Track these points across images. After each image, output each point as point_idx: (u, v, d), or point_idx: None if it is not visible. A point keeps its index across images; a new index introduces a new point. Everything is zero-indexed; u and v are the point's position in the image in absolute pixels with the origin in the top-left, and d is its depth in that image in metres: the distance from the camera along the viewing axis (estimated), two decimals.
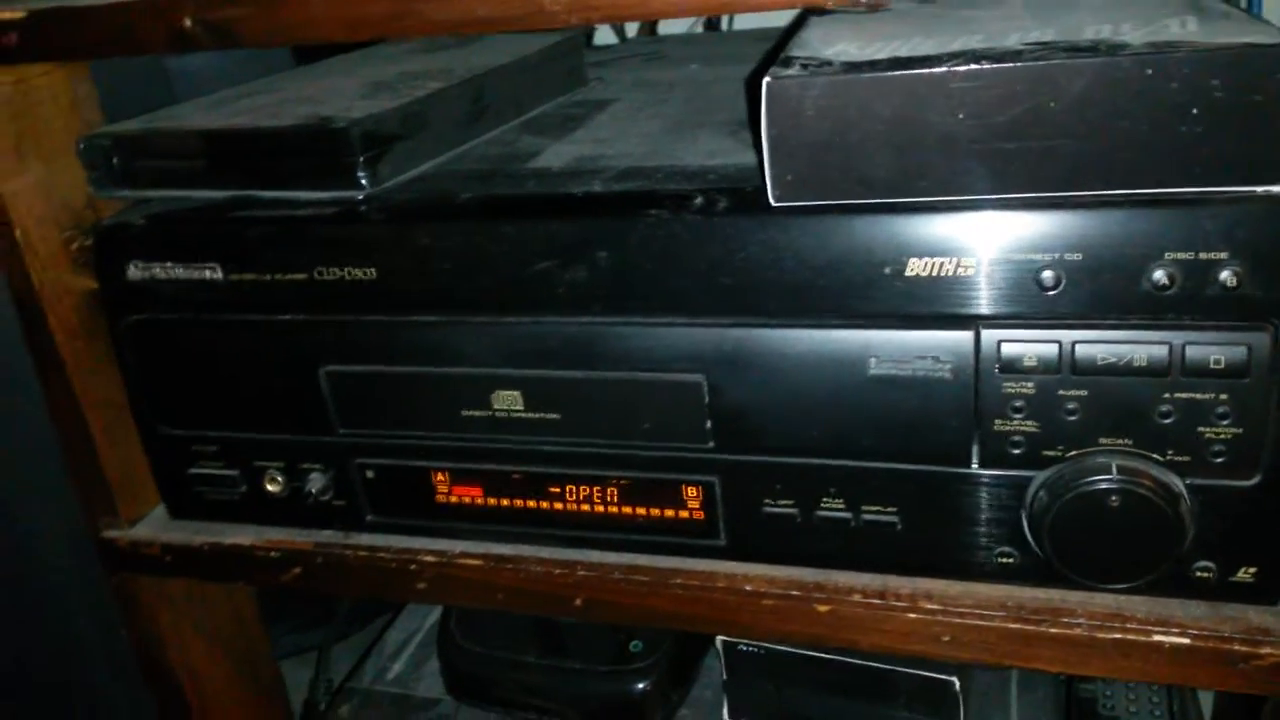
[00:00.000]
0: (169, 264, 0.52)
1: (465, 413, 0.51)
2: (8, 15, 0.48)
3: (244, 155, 0.53)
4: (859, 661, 0.62)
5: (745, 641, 0.64)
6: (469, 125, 0.61)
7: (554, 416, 0.50)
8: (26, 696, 0.55)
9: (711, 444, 0.49)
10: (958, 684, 0.59)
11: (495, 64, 0.63)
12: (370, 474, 0.55)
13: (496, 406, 0.51)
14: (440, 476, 0.54)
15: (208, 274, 0.52)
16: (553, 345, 0.49)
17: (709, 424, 0.48)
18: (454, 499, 0.55)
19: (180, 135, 0.54)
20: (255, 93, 0.62)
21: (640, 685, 0.65)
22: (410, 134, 0.55)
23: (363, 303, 0.50)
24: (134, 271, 0.53)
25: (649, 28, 0.96)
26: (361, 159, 0.51)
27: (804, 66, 0.42)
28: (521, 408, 0.51)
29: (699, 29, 0.97)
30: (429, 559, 0.56)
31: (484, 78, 0.61)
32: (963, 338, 0.42)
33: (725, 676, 0.65)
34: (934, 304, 0.43)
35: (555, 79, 0.70)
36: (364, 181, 0.52)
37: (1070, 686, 0.71)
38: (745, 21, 0.94)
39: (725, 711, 0.66)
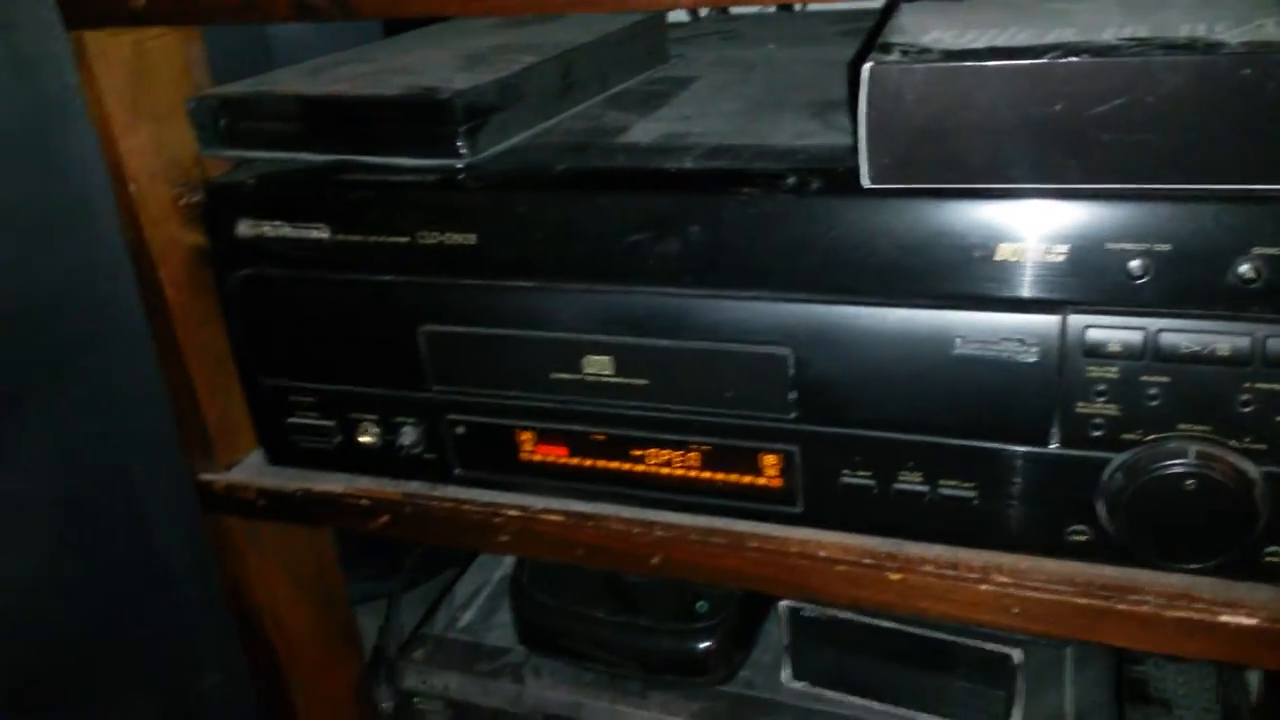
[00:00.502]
0: (278, 223, 0.55)
1: (556, 375, 0.54)
2: None
3: (349, 121, 0.55)
4: (919, 631, 0.63)
5: (809, 607, 0.66)
6: (558, 99, 0.62)
7: (642, 382, 0.53)
8: (128, 631, 0.58)
9: (793, 415, 0.50)
10: (1019, 658, 0.61)
11: (582, 40, 0.65)
12: (460, 430, 0.58)
13: (587, 370, 0.53)
14: (526, 435, 0.57)
15: (315, 234, 0.55)
16: (644, 314, 0.51)
17: (792, 396, 0.50)
18: (539, 457, 0.57)
19: (287, 99, 0.57)
20: (352, 61, 0.64)
21: (704, 644, 0.67)
22: (506, 106, 0.57)
23: (462, 267, 0.53)
24: (244, 229, 0.56)
25: (722, 7, 0.97)
26: (462, 129, 0.53)
27: (904, 53, 0.43)
28: (611, 372, 0.53)
29: (771, 9, 0.98)
30: (512, 513, 0.58)
31: (573, 53, 0.63)
32: (1049, 321, 0.44)
33: (787, 640, 0.68)
34: (1021, 288, 0.44)
35: (638, 56, 0.72)
36: (463, 151, 0.54)
37: (1122, 666, 0.73)
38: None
39: (785, 674, 0.69)
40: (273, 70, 0.65)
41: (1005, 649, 0.61)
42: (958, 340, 0.46)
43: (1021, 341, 0.45)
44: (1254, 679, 0.82)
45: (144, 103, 0.56)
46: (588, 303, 0.52)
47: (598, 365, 0.53)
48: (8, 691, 0.51)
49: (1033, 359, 0.45)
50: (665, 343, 0.51)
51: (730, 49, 0.79)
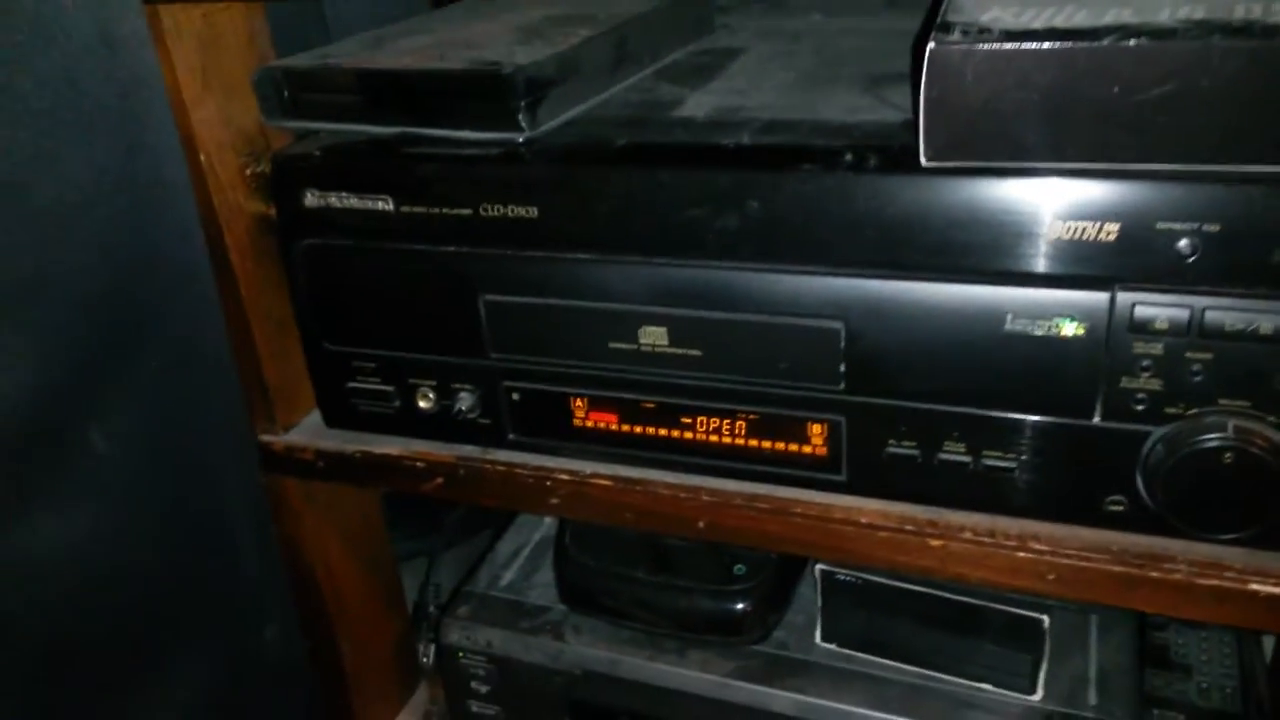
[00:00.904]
0: (344, 194, 0.57)
1: (613, 345, 0.56)
2: None
3: (412, 95, 0.57)
4: (950, 595, 0.66)
5: (842, 571, 0.68)
6: (612, 71, 0.64)
7: (696, 353, 0.54)
8: (198, 584, 0.61)
9: (843, 386, 0.52)
10: (1047, 622, 0.63)
11: (634, 12, 0.66)
12: (516, 396, 0.60)
13: (643, 341, 0.55)
14: (579, 402, 0.59)
15: (380, 205, 0.56)
16: (700, 287, 0.53)
17: (843, 367, 0.52)
18: (590, 424, 0.59)
19: (351, 73, 0.58)
20: (411, 33, 0.65)
21: (741, 605, 0.69)
22: (564, 80, 0.58)
23: (523, 239, 0.54)
24: (310, 199, 0.57)
25: None
26: (523, 103, 0.55)
27: (964, 33, 0.45)
28: (666, 343, 0.55)
29: None
30: (563, 477, 0.60)
31: (626, 25, 0.64)
32: (1098, 299, 0.45)
33: (820, 603, 0.70)
34: (1074, 265, 0.45)
35: (687, 26, 0.73)
36: (524, 124, 0.55)
37: (1144, 633, 0.75)
38: None
39: (818, 635, 0.71)
40: (327, 39, 0.66)
41: (1035, 614, 0.63)
42: (1008, 316, 0.47)
43: (1071, 318, 0.46)
44: (1269, 645, 0.84)
45: (213, 75, 0.58)
46: (644, 275, 0.54)
47: (653, 336, 0.55)
48: (84, 636, 0.53)
49: (1081, 334, 0.46)
50: (719, 314, 0.53)
51: (775, 18, 0.80)
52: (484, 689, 0.77)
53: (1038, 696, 0.65)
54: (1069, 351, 0.47)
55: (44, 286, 0.47)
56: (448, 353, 0.59)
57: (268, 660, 0.67)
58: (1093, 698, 0.66)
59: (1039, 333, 0.47)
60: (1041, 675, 0.65)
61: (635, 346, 0.55)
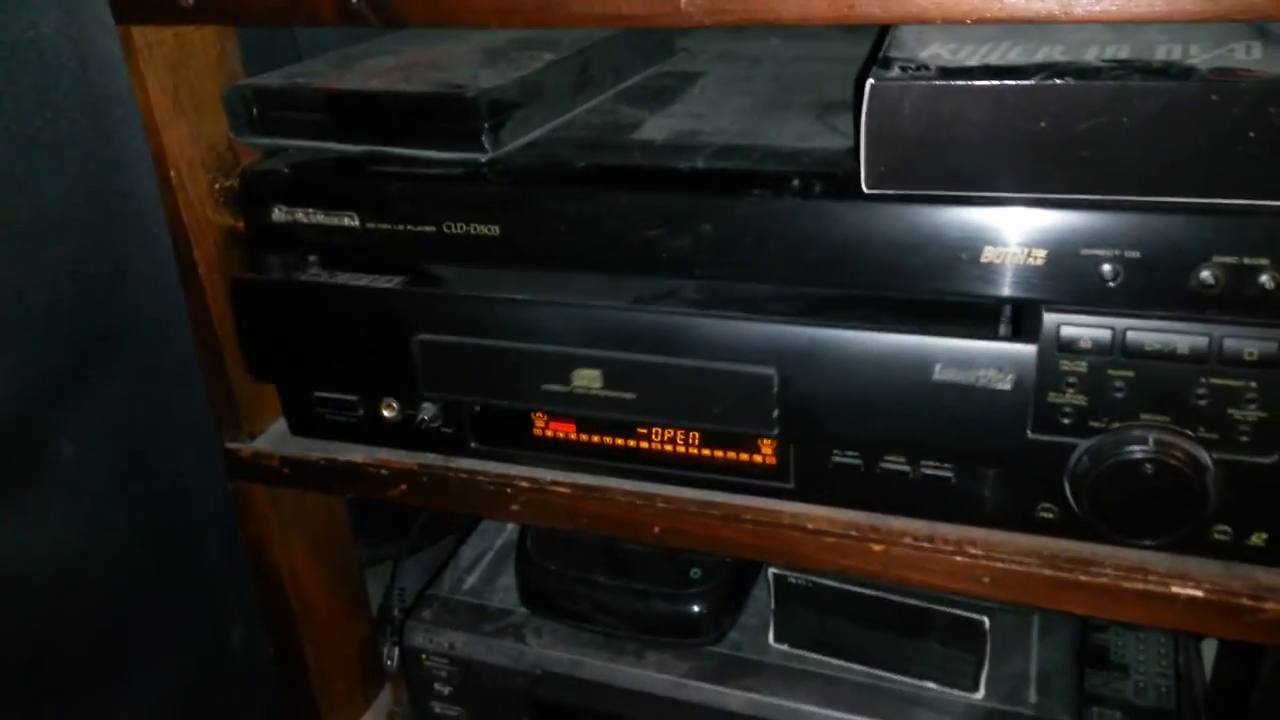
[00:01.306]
0: (311, 210, 0.58)
1: (546, 387, 0.57)
2: None
3: (379, 115, 0.59)
4: (897, 598, 0.68)
5: (794, 574, 0.70)
6: (574, 94, 0.66)
7: (630, 396, 0.56)
8: (166, 587, 0.62)
9: (777, 431, 0.54)
10: (988, 623, 0.66)
11: (598, 36, 0.68)
12: (476, 409, 0.61)
13: (576, 383, 0.56)
14: (539, 415, 0.61)
15: (346, 221, 0.58)
16: (634, 331, 0.54)
17: (776, 413, 0.54)
18: (549, 434, 0.61)
19: (319, 93, 0.60)
20: (378, 54, 0.67)
21: (697, 607, 0.72)
22: (526, 102, 0.60)
23: (484, 257, 0.56)
24: (278, 214, 0.59)
25: None
26: (486, 125, 0.57)
27: (903, 69, 0.47)
28: (600, 385, 0.56)
29: None
30: (523, 484, 0.62)
31: (590, 50, 0.66)
32: (1025, 351, 0.49)
33: (774, 605, 0.72)
34: (1004, 288, 0.48)
35: (648, 50, 0.75)
36: (487, 145, 0.57)
37: (1085, 634, 0.78)
38: None
39: (771, 636, 0.74)
40: (298, 57, 0.68)
41: (976, 615, 0.66)
42: (937, 366, 0.50)
43: (999, 369, 0.49)
44: (1209, 649, 0.88)
45: (184, 93, 0.59)
46: (577, 318, 0.55)
47: (587, 379, 0.56)
48: (50, 641, 0.55)
49: (1008, 390, 0.49)
50: (653, 359, 0.54)
51: (733, 42, 0.83)
52: (446, 690, 0.78)
53: (980, 695, 0.68)
54: (996, 403, 0.49)
55: (16, 299, 0.49)
56: (382, 391, 0.61)
57: (234, 662, 0.69)
58: (1033, 696, 0.69)
59: (968, 382, 0.50)
60: (984, 675, 0.68)
61: (569, 389, 0.57)
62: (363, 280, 0.60)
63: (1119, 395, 0.48)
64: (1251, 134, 0.43)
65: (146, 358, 0.57)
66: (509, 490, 0.63)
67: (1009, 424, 0.50)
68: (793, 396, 0.53)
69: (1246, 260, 0.45)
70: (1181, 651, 0.79)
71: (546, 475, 0.63)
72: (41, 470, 0.53)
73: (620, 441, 0.60)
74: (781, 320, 0.52)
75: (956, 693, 0.69)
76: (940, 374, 0.50)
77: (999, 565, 0.54)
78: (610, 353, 0.55)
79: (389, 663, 0.89)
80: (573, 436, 0.61)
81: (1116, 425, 0.49)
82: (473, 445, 0.63)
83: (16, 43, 0.46)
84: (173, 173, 0.60)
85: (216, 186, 0.63)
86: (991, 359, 0.49)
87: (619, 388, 0.56)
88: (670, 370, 0.54)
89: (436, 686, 0.79)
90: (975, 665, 0.68)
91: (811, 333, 0.51)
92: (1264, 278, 0.45)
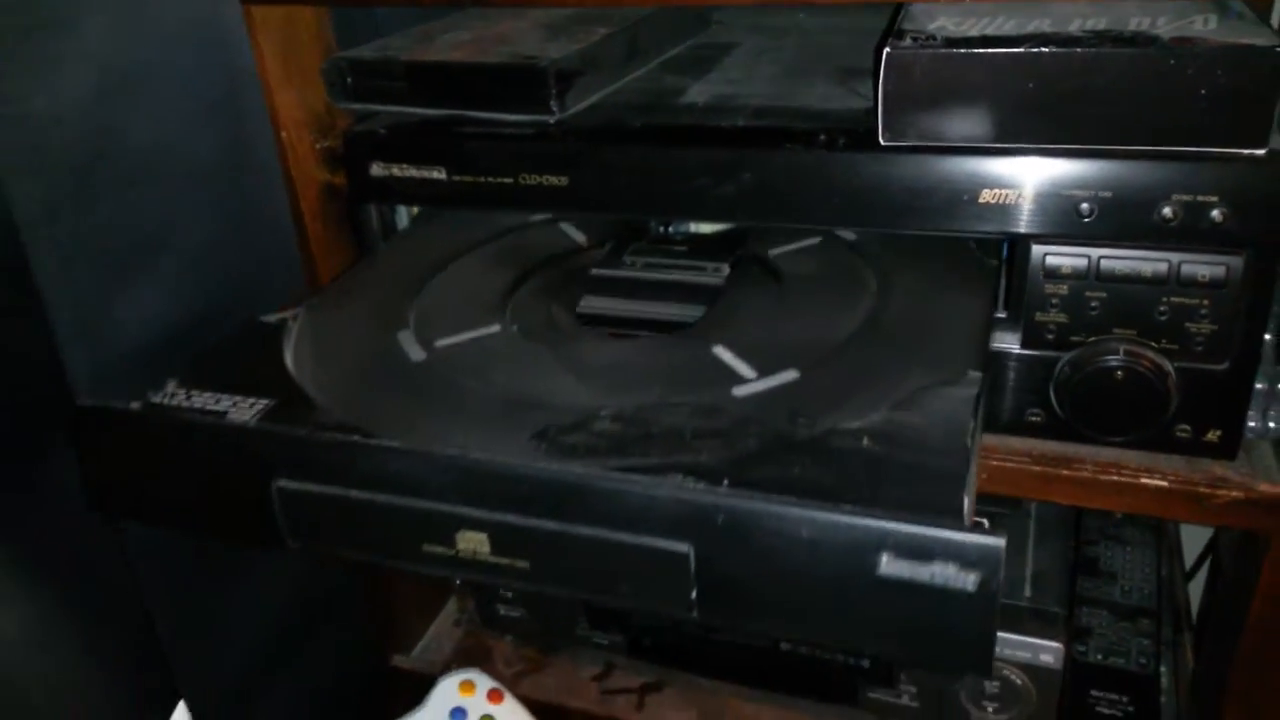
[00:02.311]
0: (405, 165, 0.68)
1: (427, 548, 0.48)
2: None
3: (460, 83, 0.68)
4: None
5: None
6: (625, 63, 0.75)
7: (523, 564, 0.47)
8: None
9: (695, 614, 0.45)
10: (987, 525, 0.75)
11: (643, 12, 0.77)
12: None
13: (461, 546, 0.47)
14: None
15: (434, 174, 0.68)
16: (527, 491, 0.45)
17: (694, 594, 0.44)
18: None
19: (408, 64, 0.69)
20: (452, 29, 0.76)
21: None
22: (587, 71, 0.69)
23: (556, 203, 0.66)
24: (376, 169, 0.69)
25: None
26: (554, 91, 0.66)
27: (914, 40, 0.56)
28: (488, 550, 0.47)
29: None
30: None
31: (638, 24, 0.76)
32: (994, 544, 0.40)
33: None
34: (998, 224, 0.57)
35: (687, 23, 0.84)
36: (554, 108, 0.67)
37: (1078, 548, 0.88)
38: None
39: None
40: (375, 25, 0.77)
41: (976, 519, 0.75)
42: (884, 558, 0.40)
43: (959, 566, 0.40)
44: (1188, 554, 0.97)
45: (292, 64, 0.69)
46: (460, 469, 0.46)
47: (473, 542, 0.47)
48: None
49: (970, 592, 0.40)
50: (550, 525, 0.44)
51: (761, 17, 0.91)
52: (510, 593, 0.89)
53: None
54: (952, 604, 0.40)
55: (170, 241, 0.59)
56: (240, 539, 0.56)
57: (328, 582, 0.79)
58: (1028, 591, 0.79)
59: (920, 579, 0.40)
60: None
61: (453, 552, 0.47)
62: (223, 404, 0.52)
63: (1094, 314, 0.57)
64: (1203, 91, 0.52)
65: (272, 294, 0.67)
66: None
67: (969, 633, 0.41)
68: (716, 576, 0.43)
69: (1199, 198, 0.54)
70: (1164, 564, 0.89)
71: None
72: None
73: None
74: (699, 491, 0.42)
75: None
76: (887, 567, 0.40)
77: (994, 463, 0.63)
78: (497, 515, 0.45)
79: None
80: None
81: (1093, 339, 0.58)
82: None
83: (177, 24, 0.56)
84: (284, 134, 0.69)
85: (317, 146, 0.72)
86: (952, 550, 0.40)
87: (510, 554, 0.46)
88: (569, 539, 0.44)
89: (501, 590, 0.89)
90: None
91: (730, 504, 0.42)
92: (1214, 213, 0.54)
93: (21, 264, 0.49)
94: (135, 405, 0.52)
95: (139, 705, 0.60)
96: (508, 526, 0.45)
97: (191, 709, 0.63)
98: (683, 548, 0.43)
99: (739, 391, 0.53)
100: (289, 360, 0.58)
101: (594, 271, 0.68)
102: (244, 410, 0.52)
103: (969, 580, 0.40)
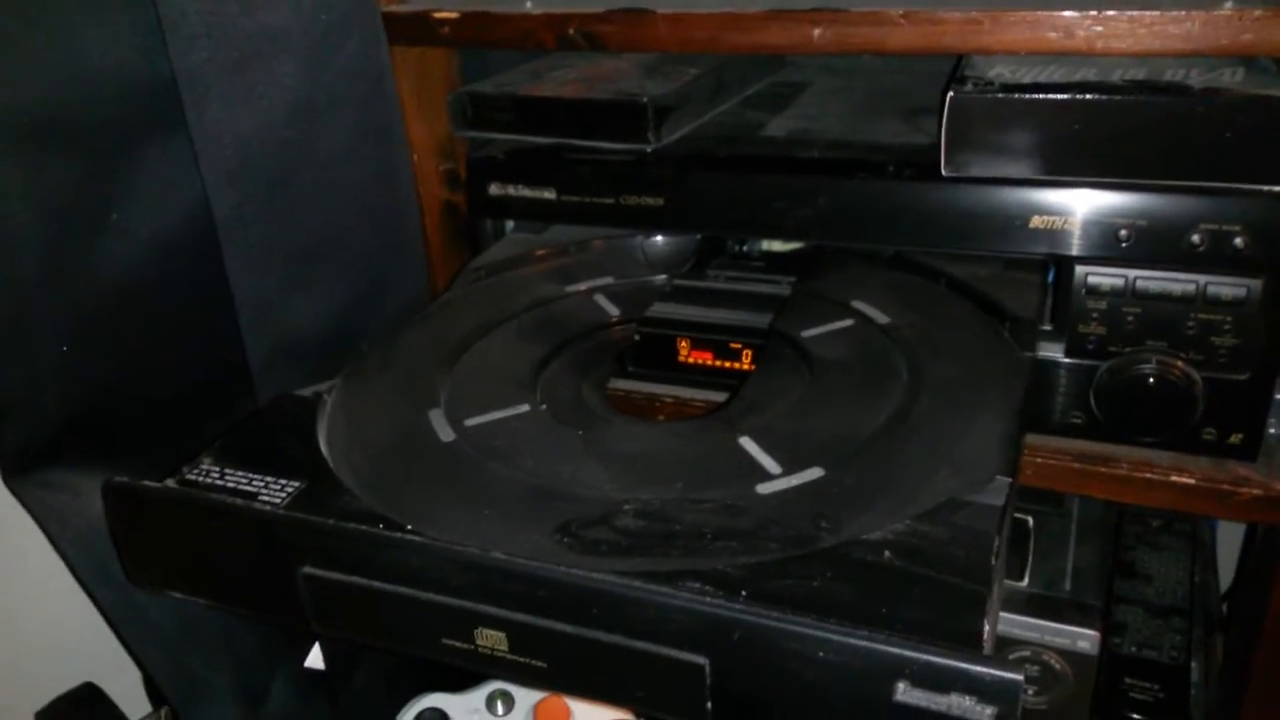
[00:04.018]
0: (520, 185, 0.78)
1: (446, 641, 0.48)
2: (446, 14, 0.73)
3: (569, 115, 0.78)
4: None
5: None
6: (711, 100, 0.84)
7: (540, 665, 0.47)
8: None
9: None
10: (1031, 522, 0.82)
11: (727, 55, 0.86)
12: None
13: (480, 643, 0.47)
14: None
15: (545, 195, 0.77)
16: (547, 593, 0.45)
17: (710, 706, 0.44)
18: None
19: (522, 99, 0.79)
20: (558, 67, 0.86)
21: None
22: (679, 106, 0.79)
23: (654, 222, 0.75)
24: (494, 189, 0.79)
25: None
26: (652, 123, 0.76)
27: (975, 85, 0.65)
28: (506, 649, 0.47)
29: None
30: None
31: (724, 65, 0.85)
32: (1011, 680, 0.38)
33: None
34: (1046, 247, 0.65)
35: (766, 64, 0.93)
36: (650, 139, 0.76)
37: (1116, 553, 0.94)
38: None
39: None
40: (485, 64, 0.88)
41: (1022, 516, 0.83)
42: (900, 686, 0.39)
43: (977, 700, 0.38)
44: (1221, 560, 1.02)
45: (425, 96, 0.79)
46: (480, 567, 0.46)
47: (491, 640, 0.47)
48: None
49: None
50: (568, 628, 0.45)
51: (831, 59, 1.00)
52: None
53: (1024, 583, 0.85)
54: None
55: (333, 249, 0.69)
56: (268, 617, 0.56)
57: None
58: (1068, 585, 0.85)
59: (937, 709, 0.39)
60: (1028, 567, 0.85)
61: (472, 647, 0.48)
62: (255, 485, 0.52)
63: (1130, 327, 0.65)
64: (1229, 135, 0.59)
65: (407, 295, 0.77)
66: None
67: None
68: (732, 690, 0.43)
69: (1224, 227, 0.61)
70: (1198, 570, 0.95)
71: None
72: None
73: None
74: (716, 603, 0.42)
75: (1007, 581, 0.85)
76: (903, 695, 0.39)
77: (1039, 460, 0.70)
78: (517, 615, 0.45)
79: None
80: None
81: (1129, 350, 0.65)
82: None
83: (346, 62, 0.66)
84: (415, 157, 0.79)
85: (442, 169, 0.83)
86: (970, 682, 0.38)
87: (528, 654, 0.46)
88: (586, 643, 0.45)
89: None
90: (1021, 558, 0.85)
91: (751, 620, 0.41)
92: (1237, 240, 0.61)
93: (219, 261, 0.59)
94: (170, 483, 0.53)
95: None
96: (526, 627, 0.46)
97: None
98: (699, 660, 0.43)
99: (763, 489, 0.51)
100: (321, 439, 0.57)
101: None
102: (274, 493, 0.52)
103: (986, 714, 0.38)
